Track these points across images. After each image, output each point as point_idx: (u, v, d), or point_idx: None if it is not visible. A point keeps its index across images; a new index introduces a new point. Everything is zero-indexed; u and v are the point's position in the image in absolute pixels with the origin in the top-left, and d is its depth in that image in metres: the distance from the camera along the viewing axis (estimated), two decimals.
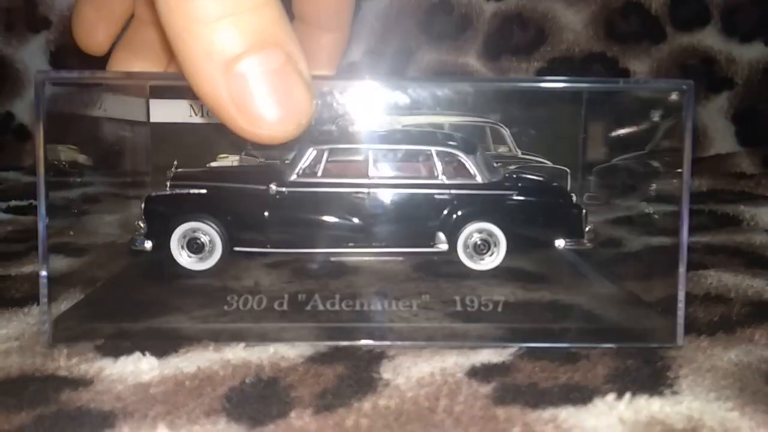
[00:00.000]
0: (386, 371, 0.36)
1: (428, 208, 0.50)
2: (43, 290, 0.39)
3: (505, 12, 1.02)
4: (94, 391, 0.34)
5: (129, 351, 0.37)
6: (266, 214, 0.49)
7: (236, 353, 0.37)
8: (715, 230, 0.65)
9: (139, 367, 0.36)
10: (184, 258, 0.49)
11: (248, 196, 0.50)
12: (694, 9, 1.04)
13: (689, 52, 1.04)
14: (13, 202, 0.74)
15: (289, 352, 0.38)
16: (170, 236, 0.49)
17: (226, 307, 0.42)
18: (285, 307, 0.42)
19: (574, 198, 0.54)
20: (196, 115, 0.52)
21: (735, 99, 1.04)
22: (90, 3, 0.47)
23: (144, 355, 0.37)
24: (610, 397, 0.33)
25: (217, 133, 0.51)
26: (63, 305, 0.44)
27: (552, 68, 1.02)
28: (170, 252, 0.49)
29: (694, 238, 0.61)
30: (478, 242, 0.50)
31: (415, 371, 0.36)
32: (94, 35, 0.46)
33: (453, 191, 0.50)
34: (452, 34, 1.02)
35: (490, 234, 0.50)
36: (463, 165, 0.50)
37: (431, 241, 0.50)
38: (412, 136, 0.53)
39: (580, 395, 0.33)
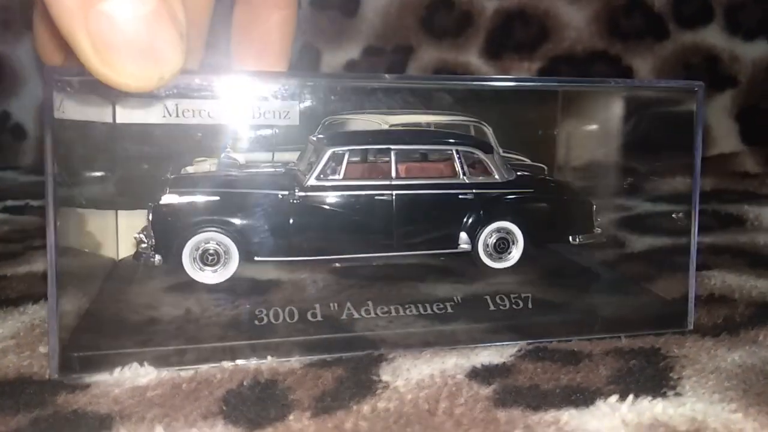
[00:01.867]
0: (385, 373, 0.35)
1: (452, 208, 0.49)
2: (52, 322, 0.35)
3: (507, 9, 1.02)
4: (91, 393, 0.33)
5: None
6: (286, 219, 0.47)
7: None
8: (718, 230, 0.64)
9: (137, 371, 0.36)
10: (197, 271, 0.45)
11: (265, 202, 0.47)
12: (698, 7, 1.03)
13: (692, 50, 1.04)
14: (9, 202, 0.74)
15: None
16: (182, 248, 0.45)
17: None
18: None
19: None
20: (170, 115, 0.48)
21: (739, 97, 1.04)
22: (44, 18, 0.44)
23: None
24: (613, 398, 0.33)
25: (193, 136, 0.48)
26: (60, 302, 0.44)
27: (554, 66, 1.02)
28: (181, 265, 0.45)
29: (698, 238, 0.61)
30: (497, 241, 0.50)
31: (414, 373, 0.35)
32: (54, 51, 0.42)
33: (475, 191, 0.50)
34: (453, 32, 1.02)
35: (508, 232, 0.50)
36: (483, 164, 0.50)
37: (454, 241, 0.49)
38: (430, 135, 0.52)
39: (582, 397, 0.33)
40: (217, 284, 0.46)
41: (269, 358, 0.37)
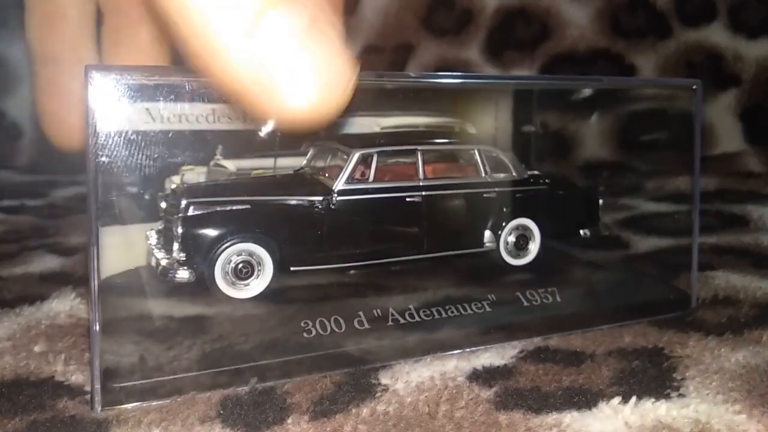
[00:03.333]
0: (384, 376, 0.35)
1: (477, 207, 0.49)
2: (95, 348, 0.32)
3: (508, 7, 1.02)
4: (89, 396, 0.33)
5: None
6: (319, 226, 0.44)
7: None
8: (722, 230, 0.64)
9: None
10: (228, 286, 0.42)
11: (297, 209, 0.44)
12: (701, 5, 1.03)
13: (695, 48, 1.03)
14: (5, 202, 0.73)
15: None
16: (215, 262, 0.42)
17: None
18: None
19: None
20: (154, 121, 0.42)
21: (742, 96, 1.03)
22: (49, 94, 0.41)
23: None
24: (616, 400, 0.32)
25: (178, 144, 0.42)
26: (54, 302, 0.44)
27: (555, 64, 1.01)
28: (214, 280, 0.42)
29: (701, 238, 0.60)
30: (517, 238, 0.49)
31: (414, 376, 0.35)
32: (67, 129, 0.39)
33: (497, 189, 0.49)
34: (454, 30, 1.02)
35: (526, 228, 0.50)
36: (502, 162, 0.50)
37: (480, 240, 0.49)
38: (445, 136, 0.52)
39: (584, 399, 0.33)
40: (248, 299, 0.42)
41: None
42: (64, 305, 0.44)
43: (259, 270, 0.43)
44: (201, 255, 0.42)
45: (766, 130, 1.02)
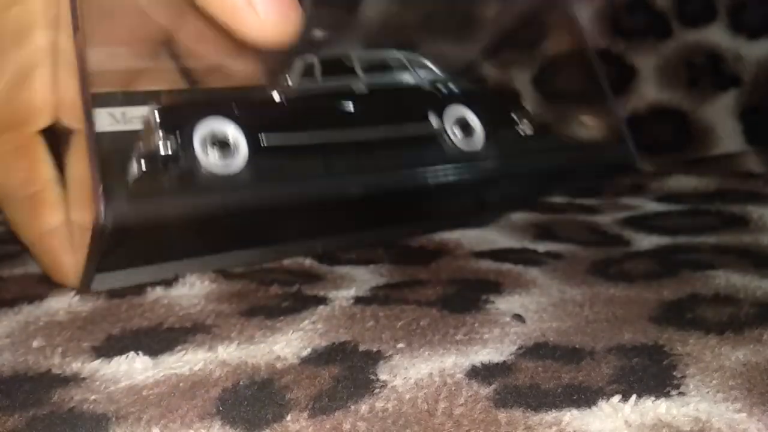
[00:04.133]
0: (383, 372, 0.35)
1: (416, 98, 0.54)
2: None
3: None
4: (87, 391, 0.33)
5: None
6: (282, 113, 0.50)
7: (231, 353, 0.37)
8: (722, 230, 0.64)
9: (133, 367, 0.35)
10: (210, 159, 0.44)
11: (262, 95, 0.50)
12: (701, 5, 1.03)
13: (695, 48, 1.03)
14: None
15: (285, 351, 0.37)
16: (192, 137, 0.44)
17: None
18: None
19: None
20: (117, 123, 0.46)
21: (742, 97, 1.03)
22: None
23: (138, 354, 0.36)
24: (616, 398, 0.32)
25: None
26: (54, 301, 0.44)
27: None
28: (193, 155, 0.44)
29: (702, 238, 0.61)
30: (459, 125, 0.53)
31: (413, 372, 0.35)
32: None
33: (430, 84, 0.55)
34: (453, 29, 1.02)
35: (465, 114, 0.53)
36: (430, 68, 0.56)
37: (424, 119, 0.53)
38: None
39: (584, 397, 0.33)
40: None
41: None
42: (63, 303, 0.44)
43: (234, 147, 0.45)
44: (177, 132, 0.44)
45: (766, 131, 1.02)
